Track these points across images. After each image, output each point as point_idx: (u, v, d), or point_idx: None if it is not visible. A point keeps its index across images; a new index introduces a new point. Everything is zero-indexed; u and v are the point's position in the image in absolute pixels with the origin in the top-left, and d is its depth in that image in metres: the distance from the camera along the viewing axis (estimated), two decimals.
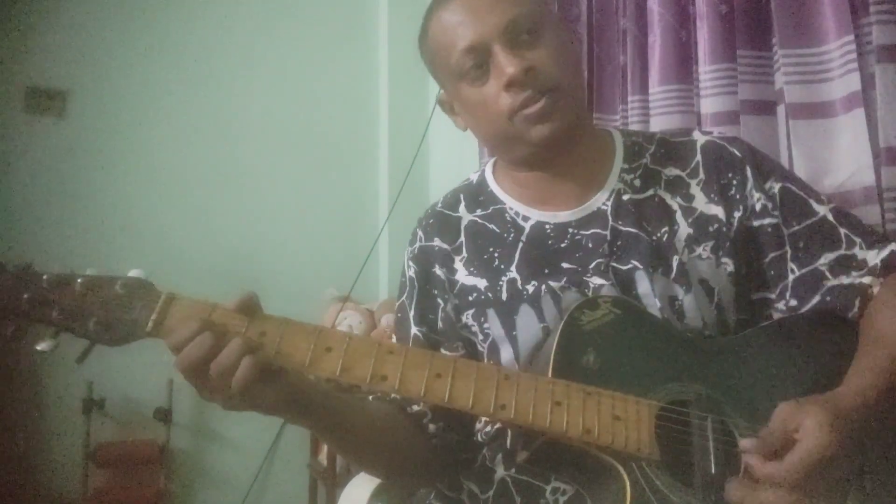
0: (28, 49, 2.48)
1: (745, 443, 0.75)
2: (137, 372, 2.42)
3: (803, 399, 0.77)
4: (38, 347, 0.76)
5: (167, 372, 2.46)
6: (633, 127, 1.62)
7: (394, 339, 1.08)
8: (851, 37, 1.21)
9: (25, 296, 0.75)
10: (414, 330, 1.03)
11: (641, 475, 0.77)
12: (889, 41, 1.16)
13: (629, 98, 1.65)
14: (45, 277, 0.76)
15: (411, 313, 1.04)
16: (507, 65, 0.89)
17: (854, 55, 1.21)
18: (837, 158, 1.25)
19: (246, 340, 0.75)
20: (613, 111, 1.73)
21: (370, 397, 1.03)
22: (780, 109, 1.34)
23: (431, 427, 1.00)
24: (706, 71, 1.44)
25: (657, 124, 1.56)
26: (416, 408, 0.99)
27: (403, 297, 1.07)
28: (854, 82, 1.21)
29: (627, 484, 0.77)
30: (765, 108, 1.39)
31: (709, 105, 1.44)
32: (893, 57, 1.16)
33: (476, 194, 1.07)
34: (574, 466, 0.83)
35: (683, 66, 1.53)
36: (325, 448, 2.51)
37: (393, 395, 0.99)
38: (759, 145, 1.21)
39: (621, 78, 1.69)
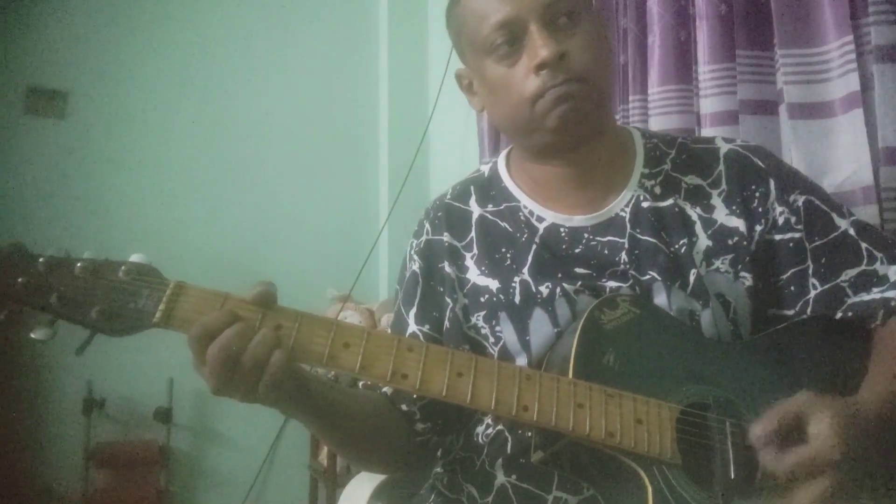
0: (28, 49, 2.48)
1: (753, 430, 0.75)
2: (137, 372, 2.43)
3: (827, 397, 0.76)
4: (34, 336, 0.71)
5: (167, 372, 2.47)
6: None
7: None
8: (850, 37, 1.21)
9: (20, 280, 0.70)
10: (413, 328, 0.99)
11: (663, 480, 0.76)
12: (888, 41, 1.16)
13: (629, 98, 1.65)
14: (40, 260, 0.71)
15: (412, 310, 1.00)
16: (542, 46, 0.85)
17: (853, 55, 1.21)
18: (837, 159, 1.25)
19: (273, 332, 0.73)
20: (613, 111, 1.73)
21: (360, 384, 1.01)
22: (782, 109, 1.34)
23: (419, 426, 0.98)
24: (706, 71, 1.44)
25: (657, 124, 1.56)
26: (405, 407, 0.97)
27: (402, 293, 1.03)
28: (853, 82, 1.21)
29: (650, 489, 0.75)
30: (765, 107, 1.39)
31: (708, 105, 1.44)
32: (892, 57, 1.16)
33: (487, 188, 1.02)
34: (592, 469, 0.81)
35: (683, 65, 1.53)
36: (325, 448, 2.51)
37: (385, 389, 0.98)
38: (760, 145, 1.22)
39: (621, 78, 1.69)
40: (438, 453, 1.02)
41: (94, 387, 2.44)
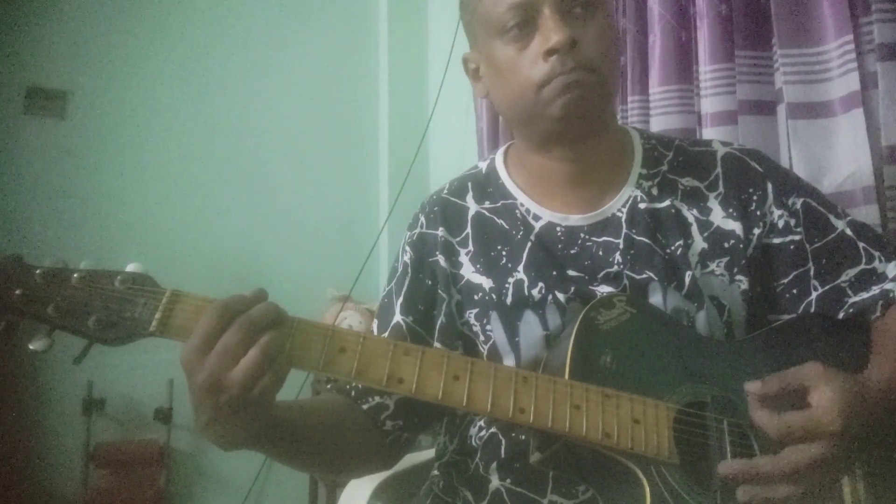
0: (28, 49, 2.48)
1: (752, 384, 0.76)
2: (137, 372, 2.42)
3: (835, 371, 0.77)
4: (32, 347, 0.71)
5: (167, 372, 2.46)
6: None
7: (374, 325, 1.04)
8: (850, 37, 1.21)
9: (18, 291, 0.70)
10: (398, 318, 0.99)
11: (661, 480, 0.76)
12: (891, 39, 1.16)
13: (629, 98, 1.65)
14: (38, 271, 0.72)
15: (399, 300, 1.00)
16: (554, 30, 0.85)
17: (853, 55, 1.21)
18: (837, 158, 1.25)
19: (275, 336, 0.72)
20: (616, 111, 1.73)
21: (328, 385, 1.02)
22: (781, 109, 1.34)
23: (388, 424, 0.97)
24: (706, 71, 1.44)
25: (657, 124, 1.56)
26: (377, 399, 0.96)
27: (393, 283, 1.03)
28: (853, 82, 1.21)
29: (647, 489, 0.75)
30: (765, 107, 1.39)
31: (708, 105, 1.44)
32: (895, 55, 1.16)
33: (485, 185, 1.02)
34: (590, 470, 0.81)
35: (683, 66, 1.53)
36: None
37: (348, 387, 0.97)
38: (759, 145, 1.22)
39: (621, 78, 1.69)
40: (432, 453, 1.02)
41: (94, 387, 2.44)
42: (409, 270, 1.00)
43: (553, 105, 0.87)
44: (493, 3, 0.89)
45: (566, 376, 0.79)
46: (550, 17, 0.85)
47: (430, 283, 0.98)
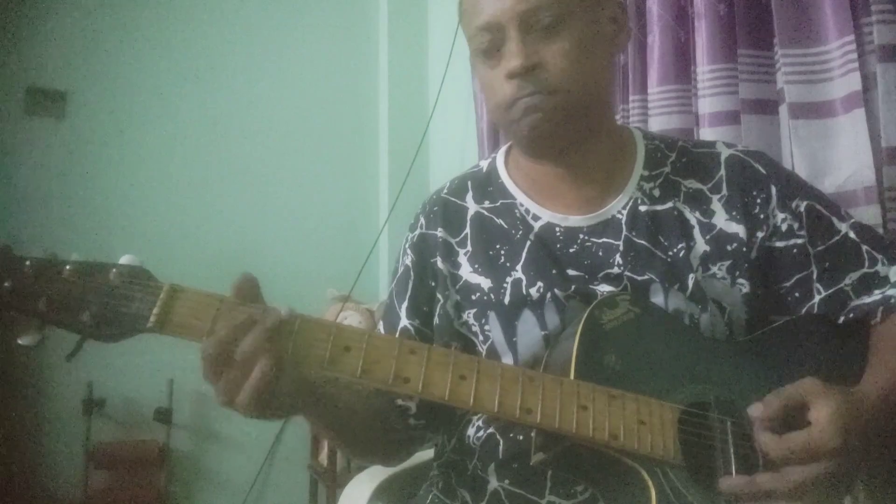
0: (28, 49, 2.48)
1: (755, 407, 0.76)
2: (137, 372, 2.42)
3: (831, 387, 0.77)
4: (21, 341, 0.67)
5: (167, 372, 2.47)
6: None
7: (380, 326, 1.04)
8: (851, 37, 1.21)
9: (7, 284, 0.67)
10: (405, 322, 0.99)
11: (666, 481, 0.76)
12: (890, 40, 1.16)
13: (629, 98, 1.65)
14: (27, 263, 0.68)
15: (404, 304, 1.00)
16: (513, 55, 0.86)
17: (854, 55, 1.21)
18: (838, 158, 1.25)
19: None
20: (612, 111, 1.72)
21: None
22: (782, 109, 1.34)
23: (412, 422, 0.98)
24: (705, 71, 1.43)
25: (656, 124, 1.55)
26: (401, 402, 0.97)
27: (396, 285, 1.02)
28: (854, 82, 1.21)
29: (652, 490, 0.75)
30: (766, 107, 1.39)
31: (707, 105, 1.44)
32: (895, 56, 1.16)
33: (485, 184, 1.02)
34: (594, 470, 0.80)
35: (682, 65, 1.53)
36: (325, 448, 2.51)
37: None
38: (761, 145, 1.22)
39: (621, 78, 1.68)
40: (432, 453, 1.03)
41: (94, 387, 2.44)
42: (412, 273, 1.00)
43: (520, 125, 0.89)
44: (469, 20, 0.91)
45: (571, 375, 0.78)
46: (513, 38, 0.86)
47: (433, 284, 0.99)
